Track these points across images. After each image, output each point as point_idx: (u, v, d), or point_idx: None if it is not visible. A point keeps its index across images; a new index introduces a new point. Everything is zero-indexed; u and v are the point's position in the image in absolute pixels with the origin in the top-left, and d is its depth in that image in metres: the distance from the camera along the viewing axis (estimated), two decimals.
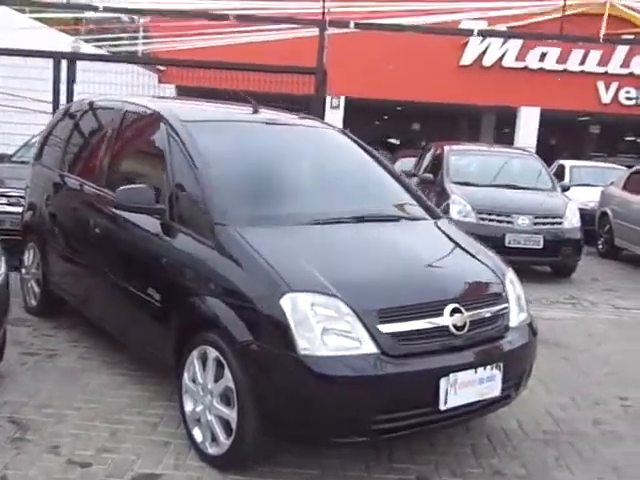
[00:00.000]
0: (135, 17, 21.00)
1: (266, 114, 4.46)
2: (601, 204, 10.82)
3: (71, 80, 6.60)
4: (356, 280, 3.14)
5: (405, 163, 14.75)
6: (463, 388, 3.11)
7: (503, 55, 18.91)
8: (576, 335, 6.00)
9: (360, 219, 3.73)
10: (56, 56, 6.63)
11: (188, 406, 3.35)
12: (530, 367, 3.65)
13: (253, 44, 13.93)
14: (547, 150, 19.16)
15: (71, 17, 13.45)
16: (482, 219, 8.30)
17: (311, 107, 6.62)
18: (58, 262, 4.77)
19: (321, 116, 6.68)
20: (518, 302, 3.61)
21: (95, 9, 7.91)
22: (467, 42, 18.54)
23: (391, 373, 2.96)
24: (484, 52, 18.87)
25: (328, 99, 19.31)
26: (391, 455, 3.42)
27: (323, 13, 6.77)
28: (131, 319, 3.93)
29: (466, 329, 3.20)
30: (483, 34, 10.64)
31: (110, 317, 4.25)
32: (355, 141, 4.58)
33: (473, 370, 3.16)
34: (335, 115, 19.24)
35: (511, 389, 3.47)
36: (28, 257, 5.21)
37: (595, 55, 18.63)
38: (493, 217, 8.29)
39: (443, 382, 3.04)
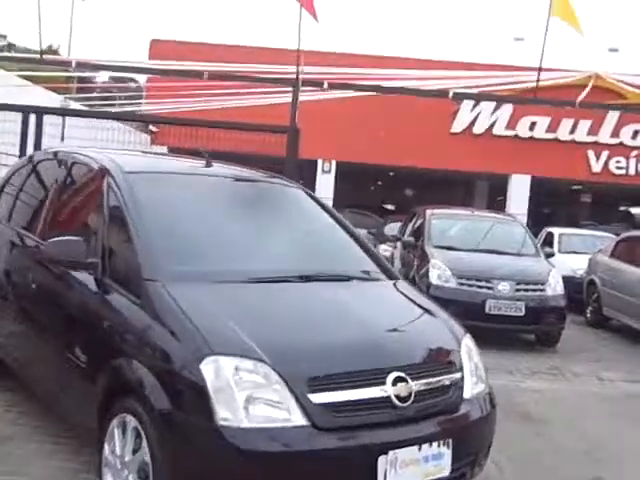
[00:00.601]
0: (135, 79, 21.29)
1: (220, 168, 4.27)
2: (589, 272, 10.59)
3: (39, 134, 6.48)
4: (288, 344, 2.87)
5: (393, 228, 14.62)
6: (405, 467, 2.80)
7: (493, 124, 19.01)
8: (554, 408, 5.67)
9: (306, 278, 3.48)
10: (25, 110, 6.53)
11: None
12: (489, 443, 3.34)
13: (249, 108, 14.05)
14: (540, 218, 19.08)
15: (61, 75, 13.56)
16: (462, 284, 8.05)
17: (285, 167, 6.45)
18: None
19: (296, 177, 6.50)
20: (475, 371, 3.33)
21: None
22: (457, 110, 18.70)
23: (322, 449, 2.66)
24: (474, 120, 18.99)
25: (319, 163, 19.49)
26: None
27: (297, 73, 6.71)
28: (57, 382, 3.63)
29: (411, 400, 2.91)
30: (459, 97, 10.60)
31: (39, 379, 3.94)
32: (315, 200, 4.38)
33: (417, 447, 2.85)
34: (327, 179, 19.28)
35: (465, 468, 3.15)
36: None
37: (585, 124, 18.73)
38: (473, 282, 8.04)
39: (382, 460, 2.73)
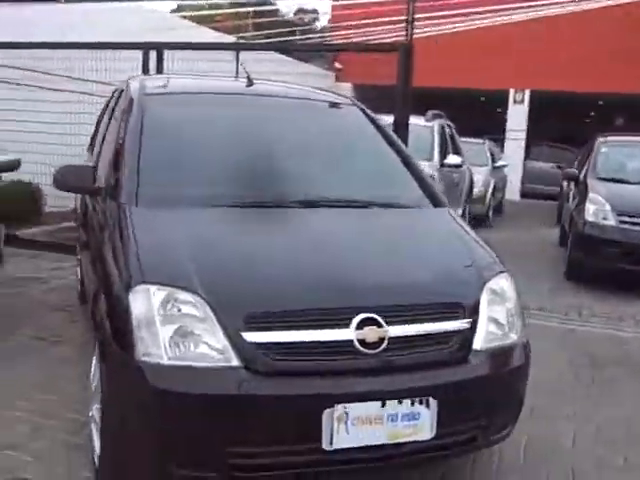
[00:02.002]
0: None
1: (261, 86, 3.92)
2: None
3: (160, 71, 6.56)
4: (233, 276, 2.51)
5: None
6: (360, 425, 2.35)
7: None
8: None
9: (307, 204, 3.07)
10: (144, 47, 6.65)
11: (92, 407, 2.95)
12: (514, 405, 2.75)
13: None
14: None
15: (230, 13, 13.71)
16: (623, 222, 6.89)
17: (395, 96, 5.84)
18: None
19: (406, 109, 5.83)
20: (502, 319, 2.73)
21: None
22: None
23: (253, 395, 2.31)
24: None
25: (511, 93, 18.00)
26: None
27: None
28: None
29: (382, 348, 2.42)
30: None
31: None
32: (370, 119, 3.86)
33: (380, 403, 2.38)
34: (518, 110, 17.81)
35: (471, 432, 2.62)
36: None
37: None
38: (636, 220, 6.84)
39: (326, 414, 2.31)
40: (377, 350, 2.42)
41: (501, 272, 2.90)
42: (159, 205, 2.90)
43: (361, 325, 2.41)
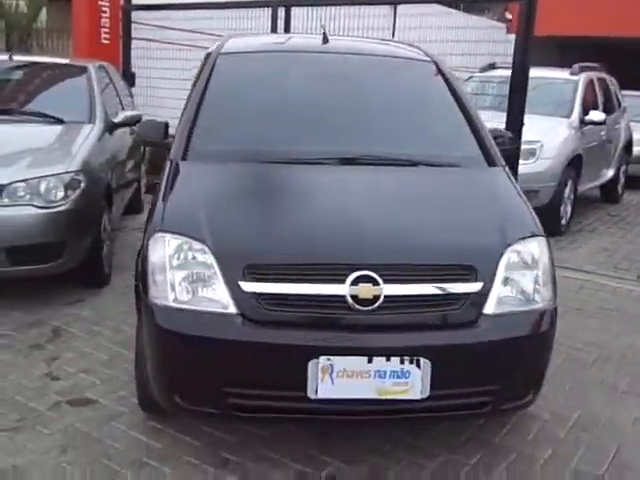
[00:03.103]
0: None
1: (336, 42, 3.96)
2: None
3: (287, 29, 6.74)
4: (241, 229, 2.64)
5: None
6: (345, 378, 2.41)
7: None
8: None
9: (349, 161, 3.11)
10: (272, 5, 6.83)
11: None
12: (533, 374, 2.70)
13: None
14: None
15: None
16: None
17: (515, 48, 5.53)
18: None
19: (526, 64, 5.50)
20: (521, 283, 2.63)
21: None
22: None
23: (245, 341, 2.45)
24: None
25: None
26: None
27: None
28: None
29: (376, 305, 2.45)
30: None
31: None
32: (443, 75, 3.75)
33: (366, 358, 2.42)
34: None
35: (474, 397, 2.58)
36: None
37: None
38: None
39: (312, 365, 2.40)
40: (370, 307, 2.45)
41: (534, 235, 2.77)
42: (203, 160, 3.11)
43: (356, 282, 2.45)
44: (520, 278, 2.65)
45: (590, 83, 8.38)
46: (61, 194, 4.19)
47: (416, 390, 2.45)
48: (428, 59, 3.91)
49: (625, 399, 3.48)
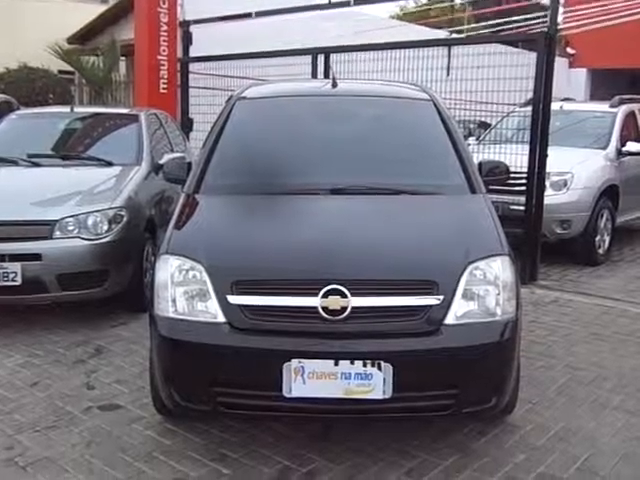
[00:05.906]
0: None
1: (345, 85, 4.39)
2: None
3: (327, 74, 7.22)
4: (231, 251, 3.06)
5: None
6: (315, 379, 2.76)
7: None
8: None
9: (337, 191, 3.50)
10: (312, 52, 7.35)
11: None
12: (496, 381, 2.96)
13: None
14: None
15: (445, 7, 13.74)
16: None
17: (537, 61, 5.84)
18: None
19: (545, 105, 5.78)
20: (482, 297, 2.92)
21: None
22: None
23: (230, 345, 2.85)
24: None
25: None
26: None
27: None
28: None
29: (344, 315, 2.80)
30: None
31: None
32: (438, 112, 4.09)
33: (332, 361, 2.76)
34: None
35: (437, 400, 2.87)
36: None
37: None
38: None
39: (286, 367, 2.76)
40: (339, 317, 2.80)
41: (496, 254, 3.05)
42: (212, 193, 3.58)
43: (327, 295, 2.81)
44: (481, 292, 2.93)
45: (631, 115, 8.46)
46: (105, 227, 4.76)
47: (378, 391, 2.77)
48: (427, 98, 4.26)
49: (613, 414, 3.64)
